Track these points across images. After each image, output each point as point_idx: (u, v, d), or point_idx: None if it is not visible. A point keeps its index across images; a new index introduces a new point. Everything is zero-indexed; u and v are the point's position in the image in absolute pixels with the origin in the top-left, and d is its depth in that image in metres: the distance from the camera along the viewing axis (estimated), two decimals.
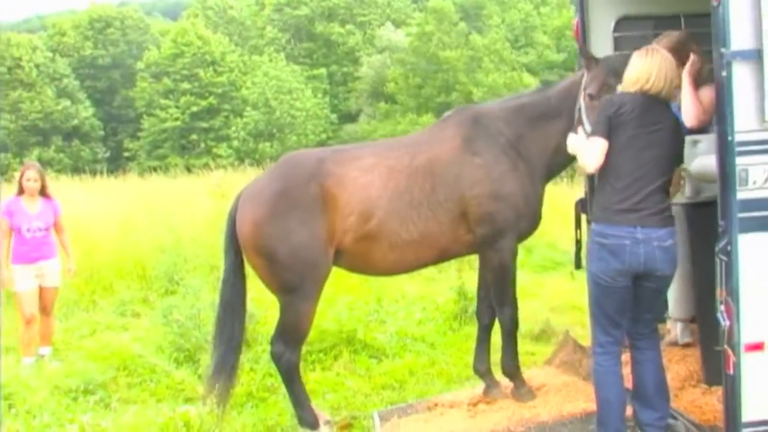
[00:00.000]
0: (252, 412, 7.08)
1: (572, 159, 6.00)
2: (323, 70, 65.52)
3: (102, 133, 63.95)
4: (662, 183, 5.04)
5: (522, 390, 6.39)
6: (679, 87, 5.35)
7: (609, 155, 4.98)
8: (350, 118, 63.02)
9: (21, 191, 9.17)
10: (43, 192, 9.24)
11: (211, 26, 68.10)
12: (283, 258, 6.04)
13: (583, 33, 6.82)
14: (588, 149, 5.07)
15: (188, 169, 24.93)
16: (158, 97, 61.04)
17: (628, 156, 4.97)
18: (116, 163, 53.72)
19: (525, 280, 10.21)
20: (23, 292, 8.94)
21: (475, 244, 6.26)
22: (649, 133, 4.98)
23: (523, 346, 8.36)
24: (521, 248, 6.64)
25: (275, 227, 6.04)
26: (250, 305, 8.28)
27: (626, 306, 5.09)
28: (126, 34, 69.04)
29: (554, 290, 11.16)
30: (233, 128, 58.11)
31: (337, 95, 65.66)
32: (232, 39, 67.07)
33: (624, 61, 5.27)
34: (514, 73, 56.29)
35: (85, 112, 62.03)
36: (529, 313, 8.49)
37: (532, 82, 52.63)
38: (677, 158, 5.21)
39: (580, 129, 5.77)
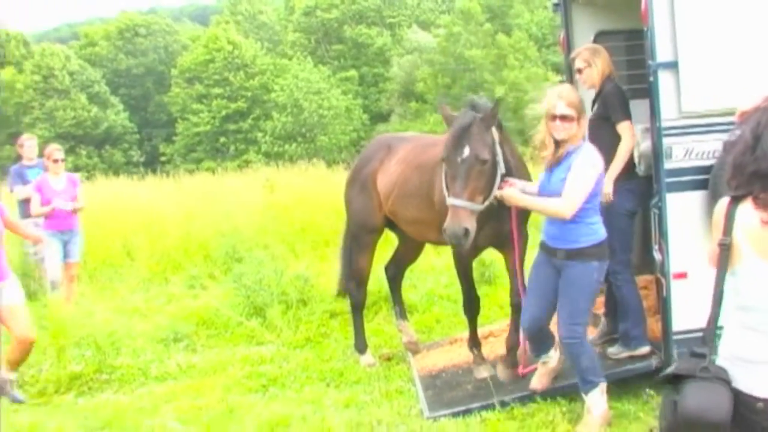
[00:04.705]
0: (310, 351, 8.92)
1: None
2: (354, 72, 66.86)
3: (137, 137, 65.93)
4: None
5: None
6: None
7: None
8: (382, 117, 63.86)
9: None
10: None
11: (241, 32, 69.70)
12: (351, 214, 8.40)
13: (567, 46, 8.43)
14: None
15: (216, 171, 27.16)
16: (191, 102, 62.74)
17: None
18: (152, 167, 55.34)
19: None
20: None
21: None
22: None
23: None
24: None
25: (348, 191, 8.42)
26: (307, 272, 10.23)
27: None
28: (154, 40, 70.97)
29: None
30: (261, 132, 59.74)
31: (368, 96, 66.90)
32: (263, 44, 68.76)
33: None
34: (537, 69, 57.37)
35: (116, 117, 63.87)
36: None
37: (557, 78, 53.93)
38: None
39: None
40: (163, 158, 63.03)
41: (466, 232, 6.06)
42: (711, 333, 3.40)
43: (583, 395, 6.26)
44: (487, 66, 58.18)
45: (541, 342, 6.51)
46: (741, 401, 3.27)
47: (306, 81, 59.26)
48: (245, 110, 62.32)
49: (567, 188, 5.79)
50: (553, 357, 6.59)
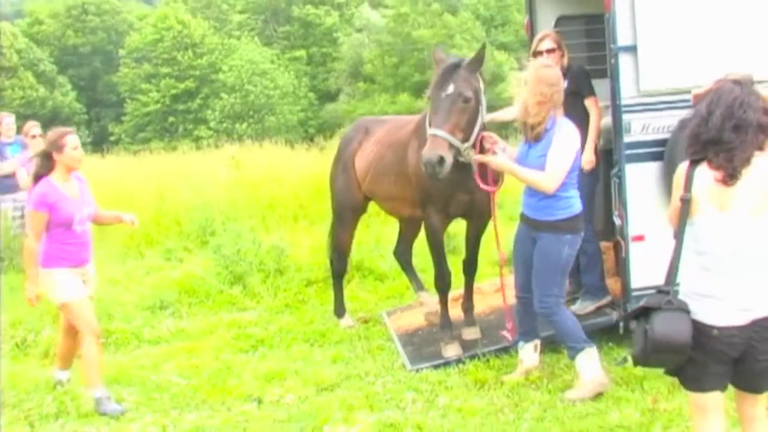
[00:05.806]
0: (291, 316, 9.52)
1: None
2: (302, 52, 66.76)
3: (86, 117, 65.33)
4: None
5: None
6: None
7: None
8: (330, 97, 63.81)
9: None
10: None
11: (189, 11, 69.31)
12: (333, 192, 8.95)
13: (531, 30, 9.03)
14: None
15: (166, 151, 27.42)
16: (140, 82, 62.20)
17: None
18: (100, 147, 54.80)
19: None
20: None
21: None
22: None
23: None
24: None
25: (332, 170, 8.99)
26: (282, 243, 10.77)
27: None
28: (103, 20, 70.20)
29: None
30: (210, 110, 59.46)
31: (317, 76, 66.85)
32: (211, 23, 68.44)
33: None
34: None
35: (64, 97, 63.09)
36: None
37: (504, 59, 54.86)
38: None
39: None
40: (112, 138, 62.51)
41: (441, 159, 6.28)
42: (673, 273, 4.14)
43: (572, 361, 6.50)
44: (435, 46, 58.33)
45: (529, 320, 6.75)
46: (699, 329, 4.02)
47: (251, 62, 59.18)
48: (194, 90, 61.97)
49: (549, 164, 6.17)
50: (533, 358, 6.84)
